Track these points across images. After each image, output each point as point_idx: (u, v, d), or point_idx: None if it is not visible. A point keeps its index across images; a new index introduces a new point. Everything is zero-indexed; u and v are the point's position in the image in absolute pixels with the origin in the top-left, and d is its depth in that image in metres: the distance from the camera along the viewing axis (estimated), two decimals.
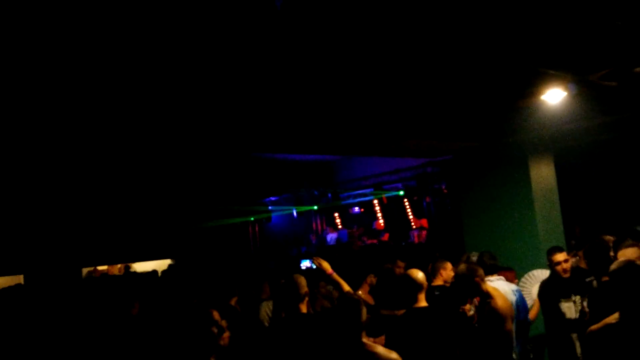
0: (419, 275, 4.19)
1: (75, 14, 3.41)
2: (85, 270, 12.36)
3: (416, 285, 4.14)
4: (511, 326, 4.28)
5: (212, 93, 5.03)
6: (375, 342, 3.49)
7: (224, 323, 3.21)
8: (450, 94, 5.84)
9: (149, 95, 4.86)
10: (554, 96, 5.29)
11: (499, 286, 4.54)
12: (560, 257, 5.07)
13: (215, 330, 3.12)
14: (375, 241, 13.96)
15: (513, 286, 4.86)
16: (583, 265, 5.16)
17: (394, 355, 3.26)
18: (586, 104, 5.70)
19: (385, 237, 14.03)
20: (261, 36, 3.95)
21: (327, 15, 3.76)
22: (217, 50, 4.15)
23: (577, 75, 5.01)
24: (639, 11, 4.08)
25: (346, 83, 5.15)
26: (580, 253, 5.18)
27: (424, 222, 13.57)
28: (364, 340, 3.31)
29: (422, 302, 4.14)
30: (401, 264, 6.46)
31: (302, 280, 4.23)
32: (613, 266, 3.24)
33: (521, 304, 4.69)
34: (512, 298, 4.59)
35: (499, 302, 4.20)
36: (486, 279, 4.60)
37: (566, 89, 5.11)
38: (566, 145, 7.72)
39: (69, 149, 6.31)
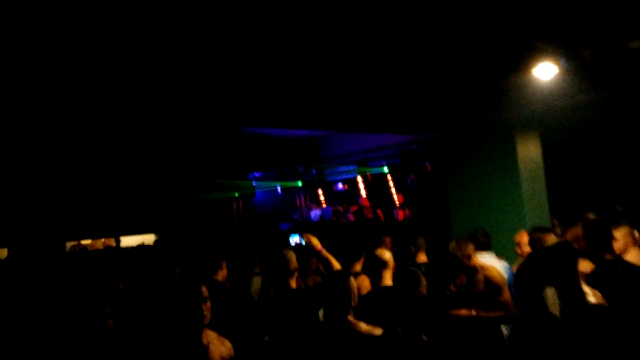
0: (386, 254, 4.28)
1: None
2: (68, 245, 12.22)
3: (381, 264, 4.22)
4: (509, 294, 4.38)
5: (195, 66, 4.92)
6: None
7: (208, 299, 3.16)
8: (435, 69, 5.77)
9: (133, 68, 4.74)
10: (545, 71, 5.24)
11: (491, 263, 4.61)
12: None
13: (205, 307, 3.08)
14: (370, 216, 13.92)
15: (504, 263, 4.92)
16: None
17: (378, 331, 3.27)
18: (576, 81, 5.68)
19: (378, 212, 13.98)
20: (247, 8, 3.85)
21: None
22: (202, 23, 4.04)
23: (568, 50, 4.97)
24: None
25: (330, 57, 5.07)
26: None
27: (400, 197, 13.62)
28: (350, 318, 3.32)
29: (387, 281, 4.21)
30: (386, 239, 6.48)
31: (292, 256, 4.22)
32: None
33: (511, 281, 4.74)
34: (504, 274, 4.67)
35: (494, 273, 4.34)
36: (479, 255, 4.68)
37: (557, 63, 5.06)
38: (554, 122, 7.74)
39: (54, 122, 6.17)
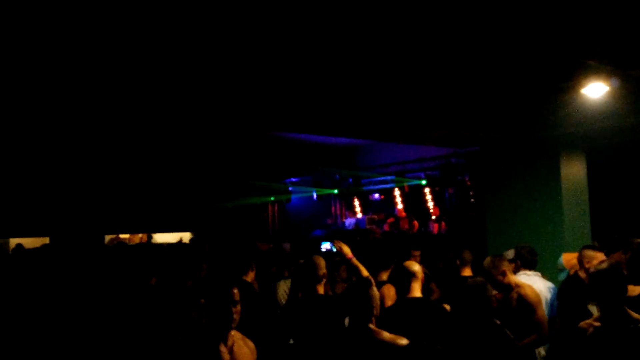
0: (415, 266, 4.22)
1: None
2: (107, 237, 12.56)
3: (410, 275, 4.15)
4: (543, 314, 4.27)
5: (238, 71, 4.97)
6: None
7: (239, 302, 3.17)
8: (482, 82, 5.66)
9: (176, 70, 4.82)
10: (595, 90, 5.08)
11: (534, 282, 4.51)
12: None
13: (234, 310, 3.09)
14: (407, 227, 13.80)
15: (549, 283, 4.80)
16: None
17: (402, 340, 3.22)
18: (625, 101, 5.49)
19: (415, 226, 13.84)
20: (289, 15, 3.86)
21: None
22: (242, 27, 4.07)
23: (619, 69, 4.81)
24: None
25: (374, 66, 5.04)
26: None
27: (437, 211, 13.44)
28: (371, 326, 3.29)
29: (416, 293, 4.14)
30: (416, 253, 6.38)
31: (321, 262, 4.19)
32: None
33: (555, 302, 4.64)
34: (547, 295, 4.61)
35: (528, 291, 4.25)
36: (522, 273, 4.57)
37: (608, 83, 4.90)
38: (600, 143, 7.49)
39: (101, 120, 6.35)
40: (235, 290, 3.13)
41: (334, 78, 5.30)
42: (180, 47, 4.36)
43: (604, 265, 3.13)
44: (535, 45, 4.52)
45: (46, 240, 10.28)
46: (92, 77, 4.78)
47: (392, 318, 4.09)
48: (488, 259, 4.49)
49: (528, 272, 4.81)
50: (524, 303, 4.23)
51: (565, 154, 7.26)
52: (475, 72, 5.30)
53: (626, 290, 3.02)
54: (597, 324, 3.03)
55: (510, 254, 5.09)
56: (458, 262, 5.69)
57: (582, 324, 3.12)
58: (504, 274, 4.33)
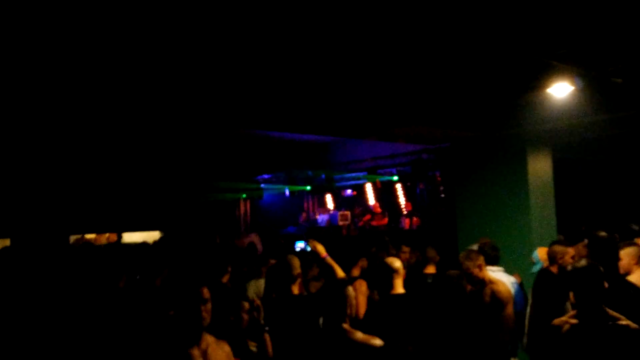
0: (396, 262, 4.26)
1: None
2: (73, 238, 12.25)
3: (392, 272, 4.19)
4: (512, 310, 4.36)
5: (209, 67, 4.93)
6: None
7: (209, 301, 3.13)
8: (452, 81, 5.75)
9: (145, 68, 4.75)
10: (560, 90, 5.22)
11: (499, 277, 4.59)
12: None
13: (204, 309, 3.04)
14: (384, 222, 13.88)
15: (512, 278, 4.90)
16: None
17: (375, 340, 3.25)
18: (590, 100, 5.64)
19: (384, 221, 13.97)
20: (258, 12, 3.85)
21: None
22: (211, 25, 4.04)
23: (584, 70, 4.94)
24: None
25: (345, 63, 5.06)
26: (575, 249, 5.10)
27: (408, 206, 13.57)
28: (345, 326, 3.31)
29: (399, 289, 4.19)
30: (405, 249, 6.44)
31: (296, 262, 4.19)
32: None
33: (519, 296, 4.74)
34: (512, 290, 4.65)
35: (501, 288, 4.32)
36: (487, 268, 4.65)
37: (573, 83, 5.03)
38: (566, 140, 7.68)
39: (62, 118, 6.21)
40: (205, 290, 3.09)
41: (305, 76, 5.31)
42: (148, 45, 4.30)
43: (582, 262, 3.16)
44: (504, 47, 4.61)
45: (6, 242, 9.98)
46: (52, 77, 4.67)
47: (377, 315, 4.13)
48: (464, 253, 4.54)
49: (492, 268, 4.84)
50: (497, 300, 4.29)
51: (531, 150, 7.43)
52: (445, 72, 5.38)
53: (603, 287, 3.04)
54: (573, 321, 3.05)
55: (474, 247, 5.18)
56: (421, 258, 5.74)
57: (557, 321, 3.13)
58: (480, 268, 4.40)
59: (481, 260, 4.44)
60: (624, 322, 2.96)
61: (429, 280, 5.27)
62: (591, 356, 2.95)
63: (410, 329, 3.98)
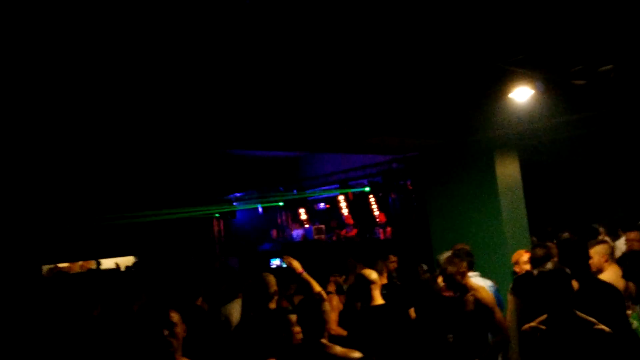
0: (373, 274, 4.31)
1: None
2: (45, 268, 11.96)
3: (369, 283, 4.25)
4: (501, 315, 4.34)
5: (175, 88, 4.90)
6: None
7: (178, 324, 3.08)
8: (415, 91, 5.84)
9: (115, 90, 4.70)
10: (522, 94, 5.34)
11: (477, 282, 4.60)
12: (525, 257, 5.09)
13: (168, 333, 3.00)
14: (353, 233, 13.92)
15: (488, 282, 4.90)
16: None
17: (354, 354, 3.25)
18: (553, 102, 5.78)
19: (353, 232, 14.04)
20: (226, 30, 3.86)
21: (292, 13, 3.69)
22: (183, 45, 4.04)
23: (545, 74, 5.07)
24: (606, 10, 4.15)
25: (310, 80, 5.10)
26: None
27: (382, 216, 13.64)
28: (324, 341, 3.31)
29: (379, 300, 4.23)
30: (393, 258, 6.46)
31: (272, 279, 4.16)
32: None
33: (497, 299, 4.74)
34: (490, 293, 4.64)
35: (484, 294, 4.27)
36: None
37: (534, 87, 5.15)
38: (531, 142, 7.85)
39: (29, 144, 6.08)
40: (173, 313, 3.06)
41: (273, 92, 5.32)
42: (121, 63, 4.26)
43: (549, 265, 3.18)
44: (463, 55, 4.71)
45: None
46: (20, 99, 4.57)
47: (358, 326, 4.13)
48: (446, 259, 4.50)
49: (469, 273, 4.79)
50: (481, 306, 4.22)
51: (499, 154, 7.55)
52: (410, 82, 5.46)
53: (571, 290, 3.05)
54: (542, 327, 3.04)
55: (446, 255, 5.18)
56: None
57: (526, 326, 3.14)
58: (463, 274, 4.34)
59: (464, 266, 4.39)
60: (599, 326, 2.96)
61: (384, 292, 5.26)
62: None
63: (392, 340, 3.99)
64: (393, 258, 6.42)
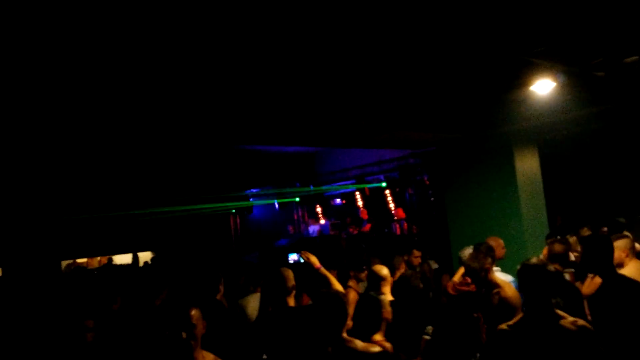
0: (384, 270, 4.36)
1: None
2: (64, 263, 12.11)
3: (380, 279, 4.32)
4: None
5: (191, 83, 4.91)
6: None
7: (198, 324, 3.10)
8: (434, 85, 5.77)
9: (129, 82, 4.71)
10: (543, 87, 5.25)
11: (499, 277, 4.53)
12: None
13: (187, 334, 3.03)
14: (366, 229, 13.91)
15: (509, 277, 4.83)
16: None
17: (374, 348, 3.24)
18: (573, 95, 5.69)
19: (367, 227, 14.01)
20: (242, 26, 3.85)
21: (308, 8, 3.67)
22: (198, 41, 4.03)
23: (565, 65, 4.98)
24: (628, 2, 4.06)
25: (328, 75, 5.07)
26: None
27: (400, 211, 13.59)
28: (345, 336, 3.30)
29: (388, 296, 4.23)
30: (417, 253, 6.42)
31: (290, 274, 4.16)
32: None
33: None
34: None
35: (509, 292, 4.17)
36: None
37: (555, 79, 5.07)
38: (551, 136, 7.74)
39: (46, 141, 6.14)
40: (193, 312, 3.08)
41: (289, 88, 5.30)
42: (134, 59, 4.27)
43: (533, 260, 3.13)
44: (484, 47, 4.64)
45: None
46: (29, 95, 4.60)
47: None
48: (469, 255, 4.43)
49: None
50: (505, 304, 4.12)
51: (518, 148, 7.45)
52: (428, 75, 5.41)
53: (551, 287, 2.99)
54: (506, 327, 3.02)
55: (468, 251, 5.12)
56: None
57: (503, 325, 3.09)
58: (487, 271, 4.27)
59: (488, 262, 4.31)
60: (580, 322, 2.91)
61: None
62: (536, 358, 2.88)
63: (401, 336, 3.95)
64: (417, 253, 6.39)
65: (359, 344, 3.27)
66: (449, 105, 6.57)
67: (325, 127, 6.73)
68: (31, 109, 4.79)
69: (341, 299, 3.39)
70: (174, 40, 3.96)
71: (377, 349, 3.26)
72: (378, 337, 3.44)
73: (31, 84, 4.36)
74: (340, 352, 3.23)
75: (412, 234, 12.47)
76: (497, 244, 5.22)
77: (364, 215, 14.34)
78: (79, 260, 13.52)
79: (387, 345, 3.43)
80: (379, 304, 3.55)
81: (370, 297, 3.69)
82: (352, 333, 3.43)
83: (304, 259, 4.48)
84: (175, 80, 4.76)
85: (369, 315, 3.48)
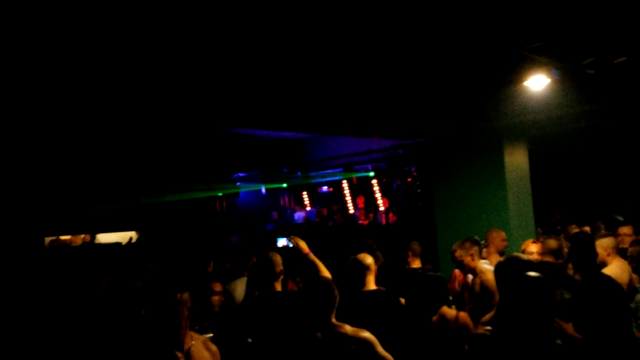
0: (368, 259, 4.30)
1: None
2: (47, 240, 11.99)
3: (364, 268, 4.24)
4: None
5: (180, 64, 4.84)
6: None
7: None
8: (427, 76, 5.76)
9: (116, 66, 4.63)
10: (537, 82, 5.27)
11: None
12: (533, 248, 5.10)
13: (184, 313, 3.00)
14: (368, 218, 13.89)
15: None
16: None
17: (364, 333, 3.26)
18: (566, 92, 5.72)
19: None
20: (234, 6, 3.80)
21: None
22: (185, 19, 3.97)
23: (560, 62, 5.00)
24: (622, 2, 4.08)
25: (319, 59, 5.03)
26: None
27: (385, 201, 13.64)
28: (333, 321, 3.30)
29: (371, 285, 4.24)
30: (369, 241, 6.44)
31: (278, 259, 4.16)
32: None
33: None
34: None
35: (489, 276, 4.26)
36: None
37: (549, 75, 5.09)
38: (541, 132, 7.78)
39: (34, 117, 6.05)
40: (185, 294, 3.04)
41: (280, 72, 5.26)
42: (123, 41, 4.20)
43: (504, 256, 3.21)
44: (479, 40, 4.64)
45: None
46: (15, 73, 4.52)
47: (348, 311, 4.12)
48: (458, 242, 4.62)
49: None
50: (485, 289, 4.25)
51: (508, 143, 7.49)
52: (421, 65, 5.39)
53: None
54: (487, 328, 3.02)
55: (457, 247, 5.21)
56: (410, 253, 5.76)
57: (480, 329, 3.13)
58: (472, 257, 4.51)
59: (474, 250, 4.51)
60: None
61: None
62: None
63: (382, 326, 3.97)
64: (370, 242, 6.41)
65: (348, 328, 3.29)
66: (441, 97, 6.56)
67: (317, 113, 6.70)
68: (22, 94, 4.71)
69: (330, 285, 3.40)
70: (162, 24, 3.90)
71: (366, 334, 3.28)
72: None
73: (22, 72, 4.28)
74: (330, 337, 3.24)
75: (396, 224, 12.53)
76: (497, 235, 5.40)
77: (361, 203, 14.33)
78: (63, 238, 13.38)
79: None
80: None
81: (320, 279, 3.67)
82: None
83: (293, 244, 4.47)
84: (162, 61, 4.69)
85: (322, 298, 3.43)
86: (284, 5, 3.80)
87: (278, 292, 4.14)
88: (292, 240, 4.49)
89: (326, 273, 4.26)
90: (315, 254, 4.45)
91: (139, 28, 4.01)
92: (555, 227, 7.37)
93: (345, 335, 3.22)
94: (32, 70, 4.50)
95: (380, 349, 3.27)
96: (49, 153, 9.32)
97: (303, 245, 4.42)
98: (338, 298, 3.37)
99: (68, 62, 4.43)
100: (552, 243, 4.58)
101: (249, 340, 4.00)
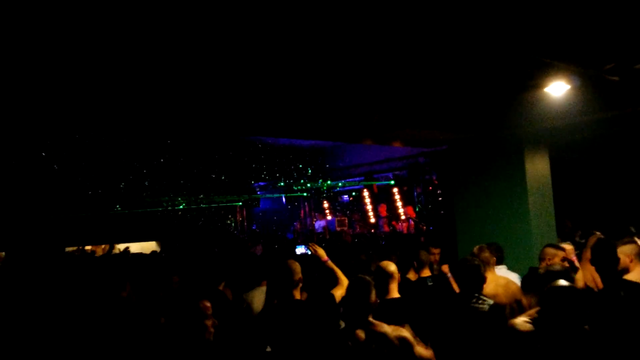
0: (391, 266, 4.27)
1: None
2: (69, 250, 12.16)
3: (387, 276, 4.23)
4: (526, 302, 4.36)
5: (203, 74, 4.90)
6: None
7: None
8: (448, 84, 5.74)
9: (139, 73, 4.71)
10: (557, 88, 5.21)
11: (503, 274, 4.69)
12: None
13: (209, 324, 3.02)
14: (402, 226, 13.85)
15: (514, 274, 4.97)
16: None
17: (403, 332, 3.27)
18: (585, 99, 5.64)
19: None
20: (253, 17, 3.83)
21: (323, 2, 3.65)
22: (207, 32, 4.02)
23: (581, 68, 4.94)
24: None
25: (341, 69, 5.05)
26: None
27: (410, 210, 13.57)
28: (371, 319, 3.35)
29: (394, 294, 4.22)
30: (435, 250, 6.39)
31: (297, 266, 4.14)
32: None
33: None
34: (517, 282, 4.76)
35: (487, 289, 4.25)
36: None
37: (569, 81, 5.03)
38: (563, 139, 7.68)
39: (56, 131, 6.18)
40: (208, 304, 3.05)
41: (301, 81, 5.29)
42: (141, 53, 4.27)
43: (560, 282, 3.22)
44: (499, 47, 4.61)
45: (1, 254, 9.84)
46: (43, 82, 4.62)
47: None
48: (478, 249, 4.68)
49: (497, 267, 4.98)
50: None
51: (529, 150, 7.42)
52: (441, 73, 5.37)
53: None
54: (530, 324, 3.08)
55: (477, 251, 5.20)
56: (415, 263, 5.68)
57: (515, 320, 3.19)
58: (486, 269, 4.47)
59: (493, 261, 4.57)
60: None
61: (430, 283, 5.28)
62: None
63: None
64: (435, 250, 6.33)
65: (387, 327, 3.33)
66: (463, 104, 6.53)
67: (338, 121, 6.72)
68: (36, 104, 4.81)
69: (369, 284, 3.47)
70: (182, 32, 3.95)
71: (405, 333, 3.30)
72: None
73: (33, 78, 4.37)
74: (371, 336, 3.27)
75: (420, 232, 12.45)
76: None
77: (383, 212, 14.30)
78: (85, 248, 13.57)
79: None
80: None
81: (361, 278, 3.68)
82: None
83: (311, 251, 4.48)
84: (184, 71, 4.76)
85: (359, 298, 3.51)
86: (308, 15, 3.83)
87: (297, 300, 4.13)
88: (311, 247, 4.50)
89: (344, 280, 4.26)
90: (334, 262, 4.46)
91: (168, 40, 4.07)
92: (574, 237, 7.24)
93: (385, 335, 3.24)
94: (68, 87, 4.61)
95: (418, 348, 3.28)
96: (70, 165, 9.50)
97: (321, 252, 4.43)
98: (375, 299, 3.41)
99: (96, 75, 4.54)
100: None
101: (268, 349, 4.00)
